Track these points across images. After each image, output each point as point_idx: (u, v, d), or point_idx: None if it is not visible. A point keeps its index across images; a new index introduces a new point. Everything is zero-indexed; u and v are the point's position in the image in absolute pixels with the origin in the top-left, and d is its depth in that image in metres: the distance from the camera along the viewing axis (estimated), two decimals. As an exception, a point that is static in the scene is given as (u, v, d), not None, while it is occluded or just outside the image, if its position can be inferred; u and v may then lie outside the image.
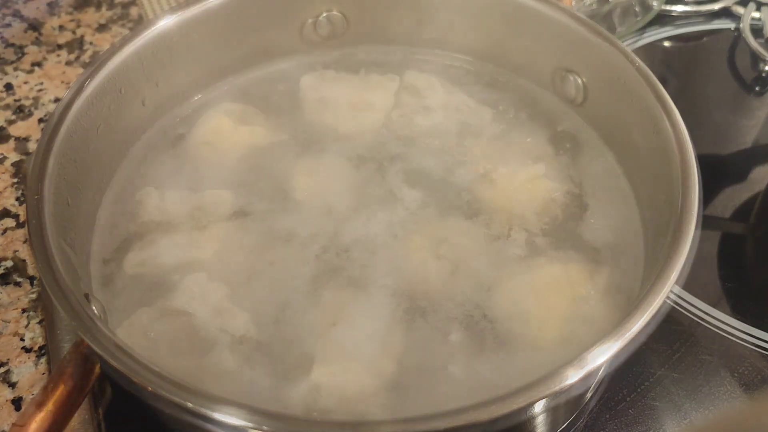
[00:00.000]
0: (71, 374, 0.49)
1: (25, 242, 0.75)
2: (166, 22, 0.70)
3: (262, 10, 0.76)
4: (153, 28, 0.69)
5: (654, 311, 0.48)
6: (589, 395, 0.63)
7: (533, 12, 0.73)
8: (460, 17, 0.78)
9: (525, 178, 0.68)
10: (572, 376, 0.45)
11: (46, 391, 0.48)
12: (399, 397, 0.55)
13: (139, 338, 0.57)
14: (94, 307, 0.54)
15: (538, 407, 0.48)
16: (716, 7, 1.02)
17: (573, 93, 0.74)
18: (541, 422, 0.57)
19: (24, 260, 0.73)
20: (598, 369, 0.46)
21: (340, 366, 0.55)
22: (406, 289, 0.61)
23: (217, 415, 0.43)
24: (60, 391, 0.48)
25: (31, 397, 0.64)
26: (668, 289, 0.50)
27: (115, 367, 0.46)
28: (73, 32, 0.99)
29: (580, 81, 0.73)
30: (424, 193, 0.68)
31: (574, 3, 0.97)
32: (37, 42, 0.97)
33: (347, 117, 0.74)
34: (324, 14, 0.78)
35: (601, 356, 0.46)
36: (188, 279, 0.61)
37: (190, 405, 0.44)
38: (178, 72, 0.73)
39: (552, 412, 0.57)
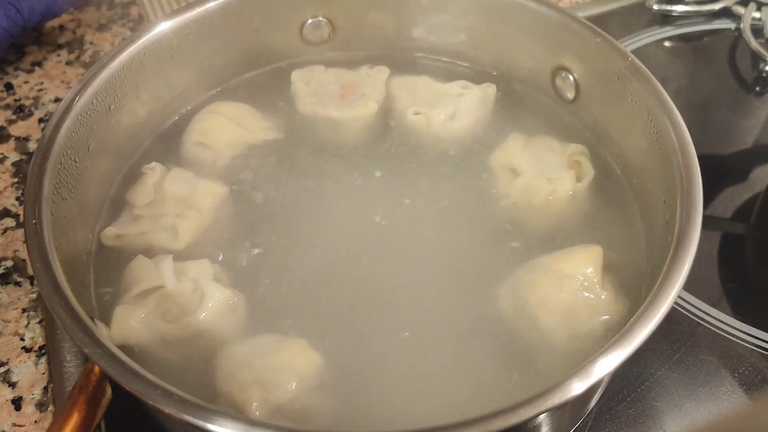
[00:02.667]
0: (84, 402, 0.48)
1: (25, 242, 0.75)
2: (166, 25, 0.70)
3: (261, 14, 0.76)
4: (153, 31, 0.69)
5: (658, 320, 0.48)
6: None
7: (526, 10, 0.73)
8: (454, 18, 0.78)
9: (522, 176, 0.68)
10: (577, 388, 0.45)
11: (59, 422, 0.47)
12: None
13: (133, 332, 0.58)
14: (102, 329, 0.54)
15: (542, 416, 0.48)
16: (716, 7, 1.02)
17: (568, 92, 0.74)
18: (543, 427, 0.57)
19: (24, 260, 0.73)
20: (603, 379, 0.46)
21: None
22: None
23: None
24: (74, 421, 0.47)
25: (31, 397, 0.64)
26: (673, 298, 0.49)
27: (133, 393, 0.45)
28: (74, 32, 0.99)
29: (575, 80, 0.73)
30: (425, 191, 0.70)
31: None
32: (37, 42, 0.97)
33: (340, 108, 0.75)
34: (318, 18, 0.79)
35: (606, 367, 0.46)
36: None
37: (210, 427, 0.43)
38: (178, 73, 0.73)
39: (555, 417, 0.57)
